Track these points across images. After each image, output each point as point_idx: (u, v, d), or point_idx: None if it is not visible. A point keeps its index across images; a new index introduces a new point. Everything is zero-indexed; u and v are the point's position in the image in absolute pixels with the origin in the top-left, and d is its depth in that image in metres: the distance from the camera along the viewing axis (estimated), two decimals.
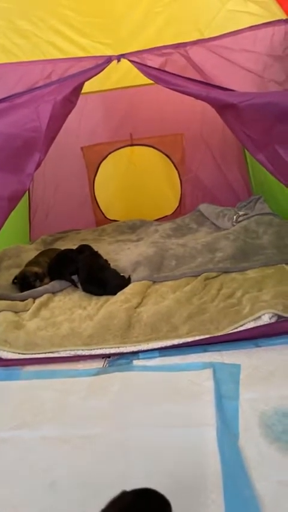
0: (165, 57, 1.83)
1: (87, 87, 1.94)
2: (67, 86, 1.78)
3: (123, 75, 2.72)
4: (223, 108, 1.79)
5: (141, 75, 1.87)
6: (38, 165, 1.85)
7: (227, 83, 1.79)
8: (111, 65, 1.87)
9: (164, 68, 1.83)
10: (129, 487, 1.18)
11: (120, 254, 2.84)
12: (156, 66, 1.82)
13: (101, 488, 1.18)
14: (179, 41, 1.85)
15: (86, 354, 1.83)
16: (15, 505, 1.17)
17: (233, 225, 2.97)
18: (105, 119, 3.28)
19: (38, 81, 1.83)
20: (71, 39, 1.85)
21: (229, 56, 1.84)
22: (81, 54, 1.84)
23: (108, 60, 1.83)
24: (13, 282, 2.48)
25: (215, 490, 1.11)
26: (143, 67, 1.81)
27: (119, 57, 1.82)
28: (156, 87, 2.45)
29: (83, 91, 1.92)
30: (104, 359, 1.83)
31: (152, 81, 1.90)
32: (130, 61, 1.82)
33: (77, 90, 1.83)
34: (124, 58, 1.82)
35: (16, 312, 2.19)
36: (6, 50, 1.84)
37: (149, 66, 1.81)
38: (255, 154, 1.84)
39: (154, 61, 1.83)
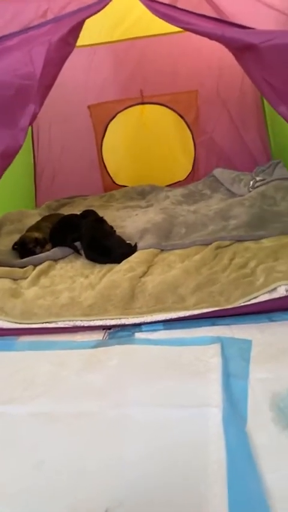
0: None
1: (95, 37, 1.74)
2: (64, 26, 1.58)
3: (133, 23, 2.47)
4: (241, 51, 1.56)
5: (153, 23, 1.65)
6: (33, 118, 1.68)
7: (246, 21, 1.55)
8: (120, 11, 1.65)
9: (175, 4, 1.59)
10: (123, 471, 1.08)
11: (127, 221, 2.68)
12: (167, 2, 1.59)
13: (92, 471, 1.08)
14: None
15: (85, 325, 1.71)
16: None
17: (249, 191, 2.77)
18: (114, 73, 3.02)
19: (32, 20, 1.63)
20: None
21: None
22: None
23: None
24: (13, 248, 2.36)
25: (218, 481, 0.99)
26: (150, 3, 1.58)
27: None
28: (169, 38, 2.21)
29: (90, 42, 1.73)
30: (105, 331, 1.70)
31: (164, 32, 1.68)
32: None
33: (76, 30, 1.62)
34: None
35: (15, 280, 2.08)
36: None
37: (158, 2, 1.58)
38: (276, 107, 1.62)
39: None
